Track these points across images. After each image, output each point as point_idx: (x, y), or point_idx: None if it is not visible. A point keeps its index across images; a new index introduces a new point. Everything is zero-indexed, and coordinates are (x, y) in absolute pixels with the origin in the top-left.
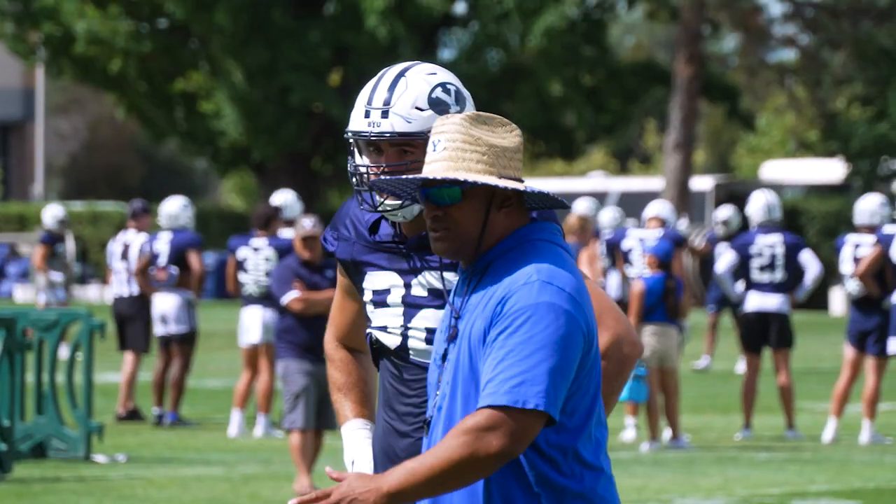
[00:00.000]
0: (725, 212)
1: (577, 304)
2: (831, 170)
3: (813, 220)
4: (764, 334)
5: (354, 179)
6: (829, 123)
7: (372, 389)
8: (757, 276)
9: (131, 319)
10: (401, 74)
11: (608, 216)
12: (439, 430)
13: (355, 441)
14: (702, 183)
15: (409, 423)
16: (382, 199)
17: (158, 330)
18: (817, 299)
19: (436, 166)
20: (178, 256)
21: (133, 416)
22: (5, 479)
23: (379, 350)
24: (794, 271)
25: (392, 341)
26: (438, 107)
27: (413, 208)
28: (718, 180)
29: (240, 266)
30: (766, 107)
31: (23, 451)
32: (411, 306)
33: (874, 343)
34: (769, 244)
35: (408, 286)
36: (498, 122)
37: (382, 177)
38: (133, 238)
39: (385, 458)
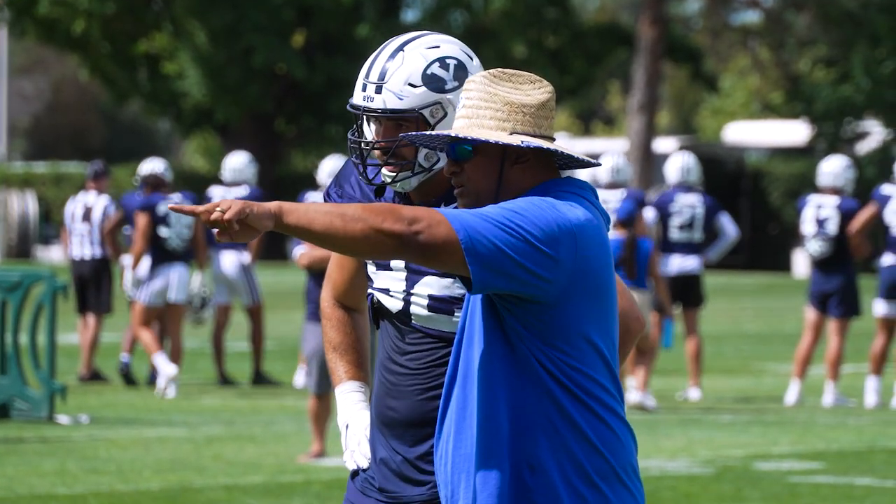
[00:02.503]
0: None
1: (573, 235)
2: (795, 132)
3: (776, 183)
4: (680, 293)
5: (351, 151)
6: (793, 85)
7: (367, 350)
8: (676, 234)
9: (93, 281)
10: (400, 48)
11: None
12: (458, 380)
13: (349, 404)
14: (665, 144)
15: (407, 384)
16: (378, 172)
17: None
18: (780, 261)
19: (456, 124)
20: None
21: (95, 377)
22: None
23: (379, 311)
24: (710, 233)
25: (394, 305)
26: (433, 83)
27: (410, 180)
28: (682, 142)
29: (162, 221)
30: (729, 68)
31: None
32: (414, 272)
33: (837, 305)
34: (689, 204)
35: None
36: (525, 78)
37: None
38: (94, 200)
39: (380, 420)
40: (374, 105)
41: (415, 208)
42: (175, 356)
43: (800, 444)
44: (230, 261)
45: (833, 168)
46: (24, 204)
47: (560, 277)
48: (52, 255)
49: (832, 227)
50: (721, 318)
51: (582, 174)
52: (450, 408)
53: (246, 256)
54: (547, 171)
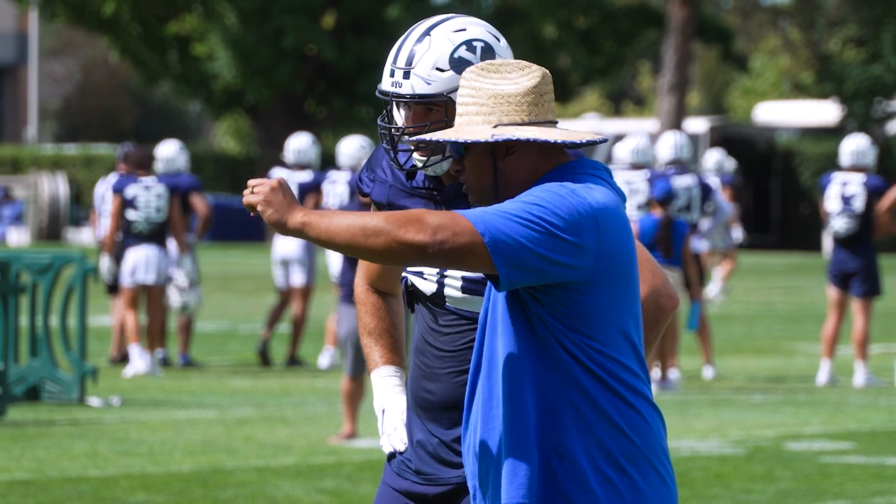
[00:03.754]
0: (716, 156)
1: (595, 219)
2: (825, 112)
3: (807, 163)
4: None
5: (381, 137)
6: (823, 65)
7: (402, 335)
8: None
9: (123, 263)
10: (426, 32)
11: (602, 158)
12: (482, 370)
13: (385, 388)
14: (696, 125)
15: (442, 367)
16: (409, 156)
17: None
18: (811, 241)
19: (455, 122)
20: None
21: (126, 358)
22: None
23: (414, 294)
24: (705, 212)
25: (428, 287)
26: (460, 67)
27: (442, 164)
28: (713, 122)
29: (129, 204)
30: (759, 48)
31: (17, 395)
32: None
33: (859, 284)
34: (685, 186)
35: None
36: (513, 66)
37: (409, 136)
38: None
39: (416, 403)
40: (402, 90)
41: (439, 214)
42: (151, 338)
43: (831, 425)
44: (294, 242)
45: (855, 147)
46: (55, 186)
47: (586, 263)
48: (83, 237)
49: (859, 204)
50: (752, 298)
51: (600, 156)
52: (475, 398)
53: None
54: (550, 155)
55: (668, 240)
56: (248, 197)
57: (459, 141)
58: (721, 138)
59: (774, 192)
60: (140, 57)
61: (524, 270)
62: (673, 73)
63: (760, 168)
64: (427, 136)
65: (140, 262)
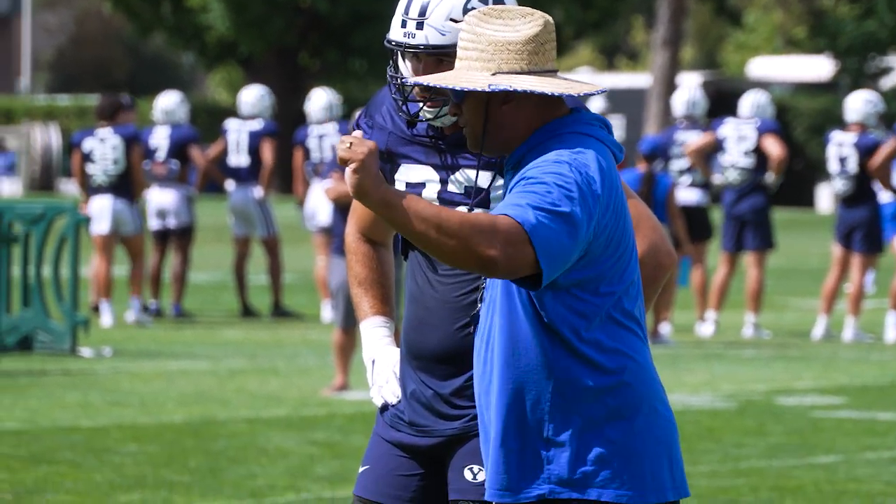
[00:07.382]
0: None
1: (591, 182)
2: (819, 67)
3: (801, 118)
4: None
5: (393, 88)
6: (817, 20)
7: (392, 285)
8: (676, 175)
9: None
10: None
11: (596, 111)
12: (484, 326)
13: (375, 339)
14: (689, 80)
15: (439, 317)
16: (421, 107)
17: (154, 224)
18: (804, 196)
19: (456, 65)
20: (177, 151)
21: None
22: None
23: (410, 242)
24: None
25: None
26: None
27: (451, 116)
28: (706, 77)
29: (87, 158)
30: (753, 3)
31: (9, 344)
32: (446, 202)
33: (860, 240)
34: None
35: (444, 182)
36: (516, 13)
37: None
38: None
39: (410, 354)
40: (416, 41)
41: (507, 225)
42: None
43: (822, 379)
44: (243, 194)
45: (854, 103)
46: (48, 136)
47: (599, 236)
48: (75, 187)
49: (852, 165)
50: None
51: (653, 108)
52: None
53: (258, 190)
54: (548, 106)
55: (650, 195)
56: (343, 152)
57: (456, 89)
58: (714, 93)
59: None
60: (133, 8)
61: (561, 268)
62: (666, 28)
63: None
64: (423, 81)
65: (95, 212)
